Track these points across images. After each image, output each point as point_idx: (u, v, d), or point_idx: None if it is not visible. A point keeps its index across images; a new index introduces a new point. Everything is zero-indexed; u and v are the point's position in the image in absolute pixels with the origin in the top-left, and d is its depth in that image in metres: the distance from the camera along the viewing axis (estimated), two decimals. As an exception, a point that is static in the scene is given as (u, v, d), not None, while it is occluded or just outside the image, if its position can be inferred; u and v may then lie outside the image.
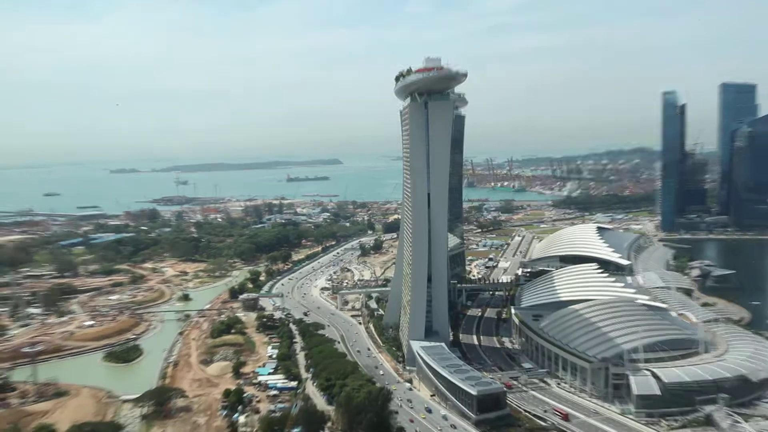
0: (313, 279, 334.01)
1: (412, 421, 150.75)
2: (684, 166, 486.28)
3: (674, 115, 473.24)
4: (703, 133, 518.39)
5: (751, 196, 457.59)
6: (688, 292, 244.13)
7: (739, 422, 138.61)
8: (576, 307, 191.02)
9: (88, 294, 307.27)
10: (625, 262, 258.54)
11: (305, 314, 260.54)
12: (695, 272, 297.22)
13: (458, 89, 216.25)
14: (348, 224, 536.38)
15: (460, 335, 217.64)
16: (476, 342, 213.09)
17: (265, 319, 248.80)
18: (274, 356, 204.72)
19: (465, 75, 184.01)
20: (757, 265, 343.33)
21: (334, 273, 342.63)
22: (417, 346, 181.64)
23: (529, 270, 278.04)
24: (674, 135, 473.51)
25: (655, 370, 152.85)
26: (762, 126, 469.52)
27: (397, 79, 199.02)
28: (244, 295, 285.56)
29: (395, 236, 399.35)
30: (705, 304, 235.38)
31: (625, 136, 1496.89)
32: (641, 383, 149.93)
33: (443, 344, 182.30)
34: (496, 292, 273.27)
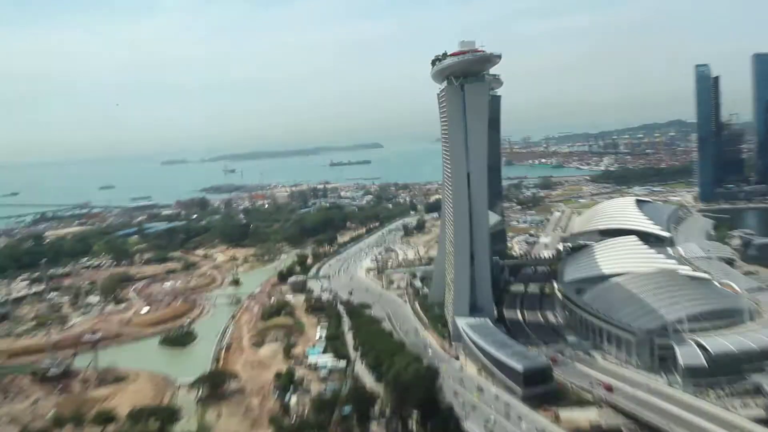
0: (358, 260, 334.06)
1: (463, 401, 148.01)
2: (720, 136, 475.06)
3: (708, 87, 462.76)
4: (738, 104, 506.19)
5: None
6: (730, 262, 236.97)
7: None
8: (618, 279, 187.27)
9: (143, 281, 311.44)
10: (665, 233, 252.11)
11: (351, 294, 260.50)
12: (736, 241, 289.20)
13: (493, 71, 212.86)
14: (390, 206, 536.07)
15: (504, 311, 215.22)
16: (520, 317, 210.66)
17: (313, 301, 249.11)
18: (323, 337, 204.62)
19: (499, 57, 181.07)
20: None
21: (379, 253, 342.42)
22: (462, 322, 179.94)
23: (570, 244, 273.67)
24: (708, 107, 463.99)
25: (700, 340, 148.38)
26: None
27: (433, 63, 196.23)
28: (293, 278, 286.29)
29: (437, 216, 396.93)
30: (747, 273, 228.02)
31: (659, 109, 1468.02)
32: (687, 354, 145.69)
33: (488, 320, 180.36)
34: (539, 267, 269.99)
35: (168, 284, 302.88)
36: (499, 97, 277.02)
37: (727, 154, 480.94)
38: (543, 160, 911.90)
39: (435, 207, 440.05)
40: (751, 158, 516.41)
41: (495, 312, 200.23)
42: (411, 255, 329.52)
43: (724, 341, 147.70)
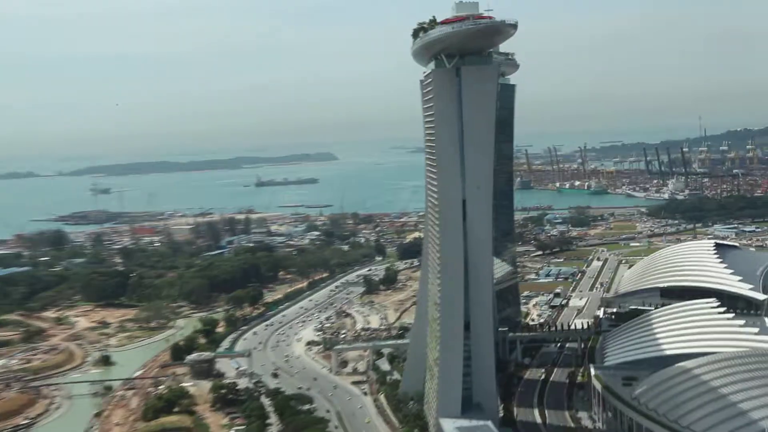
0: (295, 329, 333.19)
1: None
2: None
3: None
4: None
5: None
6: None
7: None
8: (688, 364, 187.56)
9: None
10: (760, 296, 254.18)
11: (280, 378, 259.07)
12: None
13: (504, 47, 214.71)
14: (346, 247, 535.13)
15: (515, 409, 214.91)
16: (539, 419, 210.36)
17: (224, 391, 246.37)
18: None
19: (515, 26, 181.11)
20: None
21: (327, 319, 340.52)
22: (451, 426, 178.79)
23: (615, 310, 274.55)
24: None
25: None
26: None
27: (415, 34, 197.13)
28: (194, 356, 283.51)
29: (416, 264, 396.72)
30: None
31: (756, 108, 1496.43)
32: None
33: (490, 424, 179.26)
34: (567, 344, 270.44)
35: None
36: (513, 86, 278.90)
37: None
38: (577, 183, 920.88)
39: (413, 251, 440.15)
40: None
41: (501, 410, 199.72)
42: (375, 322, 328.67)
43: None
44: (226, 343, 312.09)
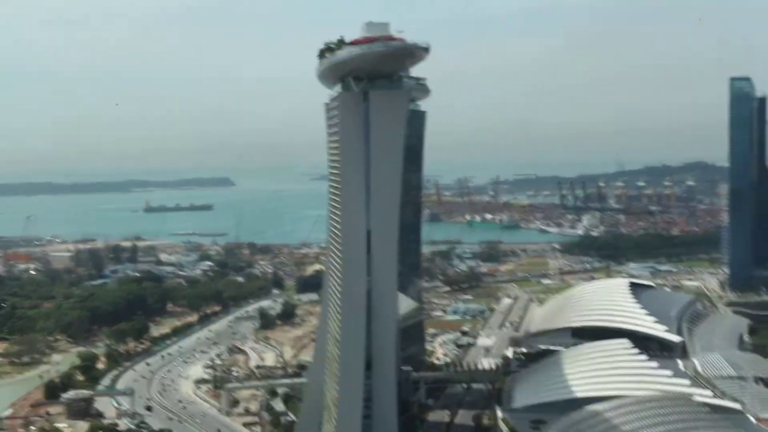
0: (184, 366, 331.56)
1: None
2: (764, 189, 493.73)
3: (748, 112, 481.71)
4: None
5: None
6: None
7: None
8: (599, 407, 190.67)
9: None
10: (674, 337, 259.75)
11: (161, 415, 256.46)
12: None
13: (416, 72, 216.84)
14: (241, 279, 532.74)
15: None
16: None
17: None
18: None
19: (427, 50, 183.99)
20: None
21: (218, 356, 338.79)
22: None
23: (524, 350, 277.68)
24: (747, 143, 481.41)
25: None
26: None
27: (321, 54, 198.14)
28: (71, 394, 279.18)
29: (316, 299, 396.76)
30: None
31: (674, 145, 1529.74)
32: None
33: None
34: (474, 385, 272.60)
35: None
36: (424, 113, 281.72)
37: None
38: (489, 217, 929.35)
39: (313, 284, 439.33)
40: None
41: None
42: (270, 360, 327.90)
43: None
44: (106, 381, 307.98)
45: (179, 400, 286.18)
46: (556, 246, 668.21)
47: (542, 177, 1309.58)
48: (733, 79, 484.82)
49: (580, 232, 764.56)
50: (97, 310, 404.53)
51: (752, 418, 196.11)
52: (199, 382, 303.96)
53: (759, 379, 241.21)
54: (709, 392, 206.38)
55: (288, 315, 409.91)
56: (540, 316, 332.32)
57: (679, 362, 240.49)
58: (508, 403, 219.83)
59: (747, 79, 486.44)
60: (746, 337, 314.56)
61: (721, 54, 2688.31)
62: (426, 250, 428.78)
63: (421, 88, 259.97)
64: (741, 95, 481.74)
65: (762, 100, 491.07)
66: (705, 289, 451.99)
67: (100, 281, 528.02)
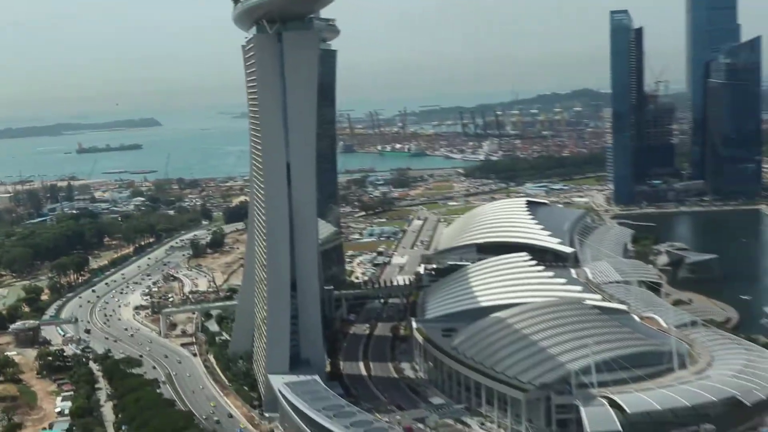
0: (123, 294, 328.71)
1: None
2: (642, 113, 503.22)
3: (626, 43, 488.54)
4: (669, 68, 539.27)
5: (733, 152, 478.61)
6: (654, 287, 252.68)
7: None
8: (502, 314, 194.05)
9: None
10: (567, 249, 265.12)
11: (103, 340, 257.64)
12: (663, 259, 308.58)
13: (326, 13, 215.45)
14: (172, 212, 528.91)
15: (341, 363, 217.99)
16: (364, 372, 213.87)
17: (50, 358, 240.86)
18: (66, 411, 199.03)
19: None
20: (746, 245, 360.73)
21: (155, 284, 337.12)
22: (279, 382, 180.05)
23: (435, 266, 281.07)
24: (627, 71, 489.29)
25: (614, 396, 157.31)
26: (745, 55, 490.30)
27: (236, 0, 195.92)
28: (18, 324, 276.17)
29: (242, 227, 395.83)
30: (678, 303, 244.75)
31: (561, 74, 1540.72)
32: (595, 416, 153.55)
33: (317, 378, 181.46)
34: (390, 300, 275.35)
35: None
36: (335, 52, 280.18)
37: (653, 137, 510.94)
38: (398, 146, 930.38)
39: (239, 214, 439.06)
40: (684, 144, 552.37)
41: (328, 365, 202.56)
42: (203, 285, 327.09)
43: (646, 397, 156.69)
44: (51, 311, 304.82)
45: (125, 328, 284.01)
46: (460, 170, 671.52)
47: (445, 108, 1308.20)
48: (612, 12, 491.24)
49: (481, 157, 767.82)
50: (39, 246, 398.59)
51: (636, 317, 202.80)
52: (138, 308, 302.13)
53: (641, 282, 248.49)
54: (598, 296, 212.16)
55: (217, 243, 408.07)
56: (447, 235, 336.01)
57: (572, 271, 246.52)
58: (422, 315, 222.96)
59: (625, 12, 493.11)
60: (630, 246, 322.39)
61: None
62: (342, 179, 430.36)
63: (331, 28, 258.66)
64: (620, 27, 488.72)
65: (639, 31, 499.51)
66: (593, 204, 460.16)
67: (39, 220, 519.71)
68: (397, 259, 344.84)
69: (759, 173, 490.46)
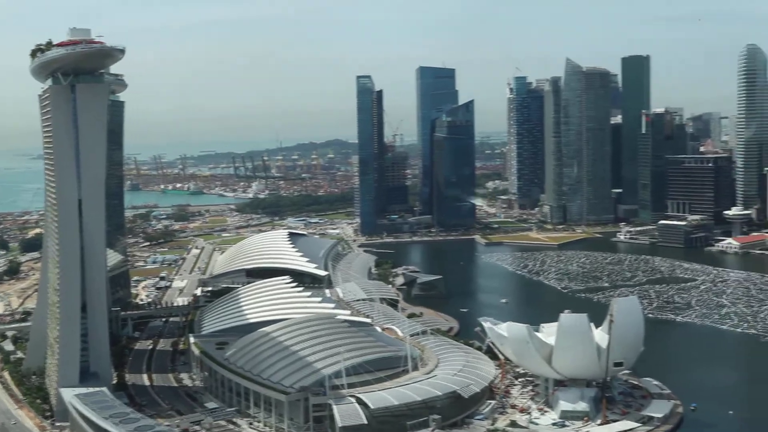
0: None
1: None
2: (382, 160, 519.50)
3: (369, 102, 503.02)
4: (405, 123, 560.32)
5: (453, 192, 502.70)
6: (393, 303, 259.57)
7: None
8: (267, 329, 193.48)
9: None
10: (321, 272, 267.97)
11: None
12: (400, 280, 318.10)
13: (115, 69, 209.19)
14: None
15: (127, 375, 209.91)
16: (147, 382, 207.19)
17: None
18: None
19: (122, 51, 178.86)
20: (464, 268, 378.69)
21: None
22: (70, 394, 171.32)
23: (210, 289, 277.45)
24: (370, 125, 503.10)
25: (360, 395, 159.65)
26: (461, 114, 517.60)
27: (33, 54, 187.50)
28: None
29: (38, 256, 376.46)
30: (412, 315, 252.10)
31: (317, 127, 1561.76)
32: (345, 412, 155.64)
33: (105, 389, 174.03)
34: (171, 318, 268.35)
35: None
36: (123, 103, 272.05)
37: (390, 180, 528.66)
38: (179, 185, 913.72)
39: (35, 245, 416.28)
40: (415, 185, 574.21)
41: (114, 377, 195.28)
42: (0, 308, 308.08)
43: (385, 395, 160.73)
44: None
45: None
46: (233, 207, 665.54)
47: (220, 153, 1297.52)
48: (358, 77, 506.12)
49: (250, 195, 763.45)
50: None
51: (378, 328, 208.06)
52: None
53: (383, 299, 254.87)
54: (348, 311, 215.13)
55: (14, 271, 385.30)
56: (221, 262, 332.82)
57: (326, 291, 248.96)
58: (198, 331, 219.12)
59: (368, 77, 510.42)
60: (373, 269, 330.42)
61: (345, 55, 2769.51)
62: (128, 213, 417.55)
63: (119, 82, 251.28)
64: (364, 89, 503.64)
65: (379, 92, 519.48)
66: (343, 235, 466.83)
67: None
68: (178, 283, 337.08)
69: (473, 210, 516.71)
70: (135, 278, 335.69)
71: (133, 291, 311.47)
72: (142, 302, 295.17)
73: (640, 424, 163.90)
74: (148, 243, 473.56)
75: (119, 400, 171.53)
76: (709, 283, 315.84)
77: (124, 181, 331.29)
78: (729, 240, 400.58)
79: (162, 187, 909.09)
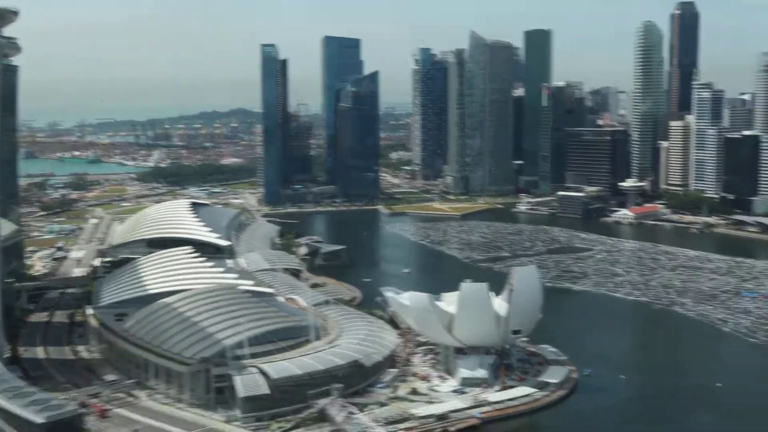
0: None
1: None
2: (287, 130, 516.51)
3: (274, 71, 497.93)
4: (310, 93, 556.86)
5: (357, 162, 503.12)
6: (296, 273, 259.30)
7: (353, 413, 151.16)
8: (168, 300, 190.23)
9: None
10: (224, 242, 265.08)
11: None
12: (303, 250, 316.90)
13: (9, 32, 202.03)
14: None
15: (20, 349, 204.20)
16: (42, 355, 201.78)
17: None
18: None
19: (16, 13, 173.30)
20: (367, 238, 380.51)
21: None
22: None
23: (109, 259, 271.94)
24: (274, 94, 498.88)
25: (262, 365, 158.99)
26: (366, 85, 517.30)
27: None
28: None
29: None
30: (315, 285, 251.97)
31: (221, 95, 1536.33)
32: (247, 383, 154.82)
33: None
34: (68, 290, 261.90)
35: None
36: (16, 67, 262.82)
37: (295, 149, 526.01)
38: (77, 153, 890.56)
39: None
40: (320, 155, 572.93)
41: (8, 351, 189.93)
42: None
43: (288, 364, 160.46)
44: None
45: None
46: (133, 176, 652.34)
47: (120, 121, 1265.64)
48: (263, 45, 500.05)
49: (151, 164, 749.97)
50: None
51: (281, 298, 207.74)
52: None
53: (286, 270, 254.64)
54: (250, 282, 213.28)
55: None
56: (121, 232, 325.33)
57: (229, 261, 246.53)
58: (97, 302, 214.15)
59: (273, 45, 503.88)
60: (276, 239, 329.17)
61: (250, 23, 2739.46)
62: (23, 182, 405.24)
63: (13, 45, 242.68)
64: (269, 58, 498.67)
65: (284, 61, 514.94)
66: (247, 205, 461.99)
67: None
68: (75, 254, 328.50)
69: (377, 180, 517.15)
70: (30, 248, 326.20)
71: (29, 262, 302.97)
72: (38, 273, 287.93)
73: (536, 390, 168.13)
74: (44, 212, 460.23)
75: (12, 374, 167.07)
76: (605, 252, 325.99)
77: (18, 149, 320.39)
78: (624, 211, 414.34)
79: (59, 155, 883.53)
